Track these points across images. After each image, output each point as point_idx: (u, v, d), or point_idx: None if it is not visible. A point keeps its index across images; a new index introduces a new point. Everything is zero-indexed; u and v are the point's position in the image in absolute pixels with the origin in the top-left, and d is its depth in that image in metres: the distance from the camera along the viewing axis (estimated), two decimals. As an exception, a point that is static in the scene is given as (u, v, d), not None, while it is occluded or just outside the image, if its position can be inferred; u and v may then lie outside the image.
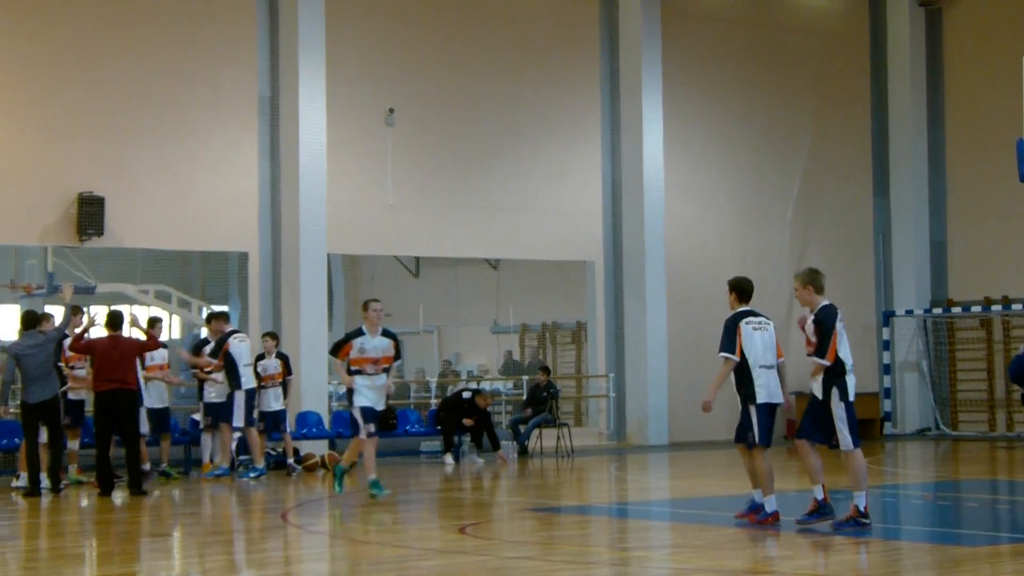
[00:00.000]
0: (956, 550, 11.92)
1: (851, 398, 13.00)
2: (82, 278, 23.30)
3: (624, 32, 27.06)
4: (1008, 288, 28.61)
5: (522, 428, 24.58)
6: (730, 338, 13.51)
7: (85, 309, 18.91)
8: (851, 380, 13.05)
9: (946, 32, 30.35)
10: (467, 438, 23.25)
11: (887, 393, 29.26)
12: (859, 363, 29.58)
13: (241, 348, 20.14)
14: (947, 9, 30.23)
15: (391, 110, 24.89)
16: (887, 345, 29.41)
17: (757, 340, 13.57)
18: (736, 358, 13.49)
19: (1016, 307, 27.96)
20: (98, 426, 17.81)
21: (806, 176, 29.42)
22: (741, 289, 13.87)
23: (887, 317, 29.55)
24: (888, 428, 28.99)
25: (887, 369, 29.37)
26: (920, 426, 29.35)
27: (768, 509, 13.39)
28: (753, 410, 13.48)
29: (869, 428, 28.27)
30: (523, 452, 24.25)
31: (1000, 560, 11.67)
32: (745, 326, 13.56)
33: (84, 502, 17.13)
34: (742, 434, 13.61)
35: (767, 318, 13.76)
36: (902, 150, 30.13)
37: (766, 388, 13.52)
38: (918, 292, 29.64)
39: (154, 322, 20.52)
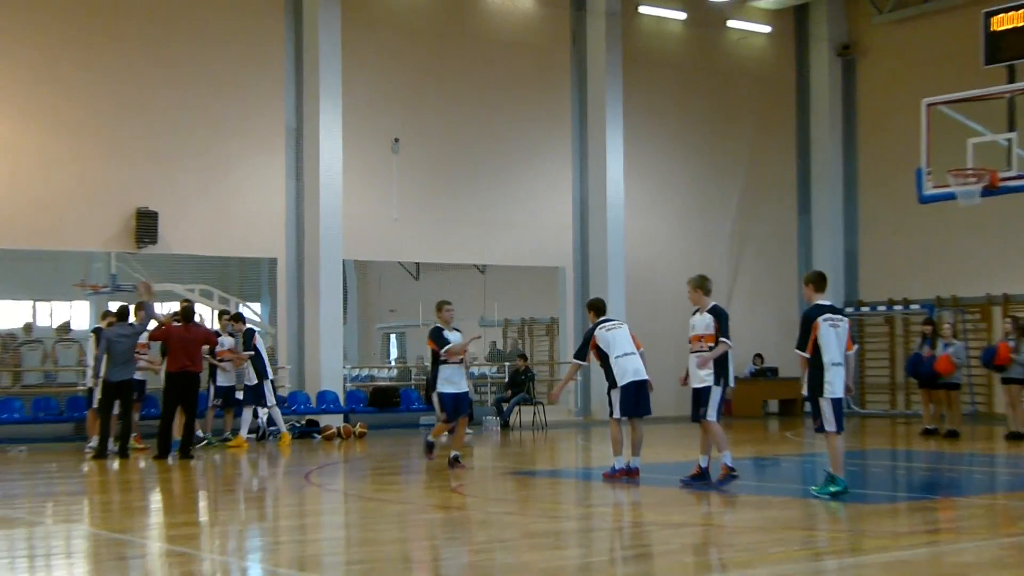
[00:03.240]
0: (863, 507, 12.03)
1: (731, 383, 13.55)
2: (139, 279, 23.38)
3: (591, 75, 27.14)
4: (908, 292, 28.80)
5: (504, 406, 24.72)
6: (584, 345, 14.52)
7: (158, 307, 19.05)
8: (731, 365, 13.50)
9: (859, 77, 30.50)
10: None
11: (808, 377, 29.37)
12: (786, 353, 29.70)
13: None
14: (860, 58, 30.38)
15: (396, 140, 24.96)
16: (809, 337, 29.51)
17: (612, 338, 14.27)
18: (583, 363, 14.70)
19: (915, 307, 28.13)
20: (167, 400, 17.95)
21: (743, 197, 29.56)
22: (596, 308, 14.85)
23: (809, 314, 29.67)
24: (808, 407, 29.09)
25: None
26: (835, 405, 29.48)
27: (617, 467, 14.10)
28: (616, 391, 14.16)
29: (792, 406, 28.53)
30: (505, 426, 24.38)
31: (898, 514, 11.83)
32: (599, 331, 14.34)
33: (142, 464, 17.23)
34: (610, 408, 14.37)
35: (621, 321, 14.88)
36: (821, 175, 30.25)
37: (628, 371, 14.14)
38: (833, 294, 29.66)
39: (223, 314, 20.76)
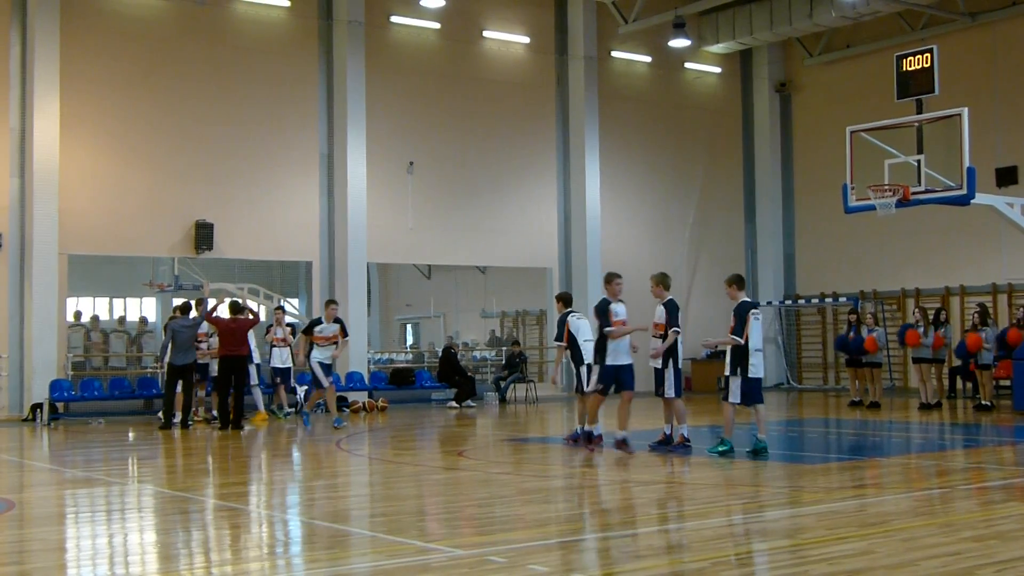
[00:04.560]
0: (801, 466, 12.05)
1: (680, 364, 13.49)
2: (198, 279, 23.35)
3: (573, 108, 27.13)
4: (836, 286, 28.83)
5: (502, 384, 24.67)
6: (561, 331, 14.43)
7: (214, 301, 18.73)
8: (680, 348, 13.48)
9: (794, 109, 30.54)
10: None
11: (754, 358, 29.39)
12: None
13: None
14: (795, 94, 30.41)
15: (411, 163, 24.94)
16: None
17: (580, 325, 14.38)
18: (564, 344, 14.35)
19: (842, 299, 28.14)
20: (220, 381, 17.88)
21: (698, 208, 29.55)
22: (565, 299, 14.84)
23: (755, 306, 29.66)
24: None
25: (754, 342, 29.51)
26: (777, 381, 29.52)
27: (596, 432, 13.98)
28: (584, 368, 14.12)
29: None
30: (502, 400, 24.33)
31: (830, 472, 11.81)
32: (571, 318, 14.38)
33: (197, 433, 17.17)
34: (579, 386, 14.26)
35: (582, 313, 14.72)
36: (764, 190, 30.28)
37: (589, 355, 14.05)
38: (775, 289, 29.82)
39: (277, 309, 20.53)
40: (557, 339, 14.63)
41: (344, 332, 17.86)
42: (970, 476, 11.38)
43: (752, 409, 12.94)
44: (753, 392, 12.83)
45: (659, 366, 13.41)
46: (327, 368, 17.69)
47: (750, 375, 12.70)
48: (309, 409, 18.23)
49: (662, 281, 13.60)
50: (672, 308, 13.42)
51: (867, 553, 7.14)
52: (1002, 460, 13.08)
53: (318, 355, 17.56)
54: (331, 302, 18.28)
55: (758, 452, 12.56)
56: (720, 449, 12.61)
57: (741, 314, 12.71)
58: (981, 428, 16.91)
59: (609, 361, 13.20)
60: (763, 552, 7.45)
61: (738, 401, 12.71)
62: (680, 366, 13.48)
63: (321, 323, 17.73)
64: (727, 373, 12.86)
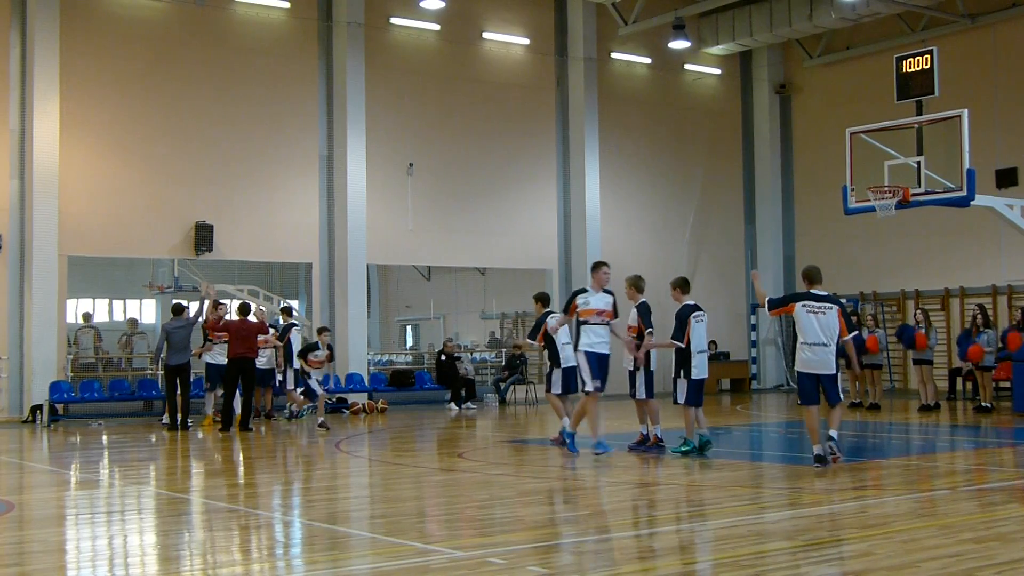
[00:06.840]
0: (801, 468, 12.00)
1: (652, 366, 13.48)
2: (198, 281, 23.37)
3: (572, 110, 27.14)
4: (836, 288, 28.63)
5: (501, 385, 24.66)
6: (536, 327, 14.55)
7: (223, 303, 18.64)
8: (653, 353, 13.49)
9: (794, 111, 30.55)
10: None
11: (754, 360, 29.42)
12: (733, 341, 29.69)
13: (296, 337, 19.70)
14: (795, 95, 30.41)
15: (411, 164, 24.93)
16: (754, 327, 29.56)
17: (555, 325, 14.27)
18: (535, 343, 14.54)
19: (842, 301, 28.00)
20: (228, 382, 17.85)
21: (699, 210, 29.54)
22: (544, 300, 15.04)
23: (754, 308, 29.71)
24: (755, 384, 29.15)
25: (754, 343, 29.51)
26: (776, 383, 29.52)
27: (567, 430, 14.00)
28: (558, 371, 14.09)
29: (741, 384, 28.47)
30: (502, 402, 24.32)
31: (830, 474, 11.77)
32: (550, 319, 14.36)
33: (198, 434, 17.15)
34: (549, 385, 14.29)
35: (557, 311, 14.69)
36: (763, 191, 30.30)
37: (570, 357, 14.10)
38: (775, 290, 29.74)
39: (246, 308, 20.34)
40: (531, 335, 14.76)
41: (615, 312, 13.17)
42: (970, 478, 11.37)
43: (692, 410, 12.99)
44: (694, 393, 12.99)
45: (630, 367, 13.45)
46: (599, 363, 12.94)
47: (694, 377, 12.87)
48: (574, 428, 13.46)
49: (635, 284, 13.63)
50: (643, 310, 13.42)
51: (867, 555, 7.13)
52: (1002, 462, 13.07)
53: (587, 341, 12.95)
54: (601, 264, 13.49)
55: (687, 453, 12.76)
56: (683, 449, 12.83)
57: (682, 317, 12.91)
58: (981, 430, 16.90)
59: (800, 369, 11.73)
60: (763, 554, 7.44)
61: (682, 402, 12.89)
62: (653, 368, 13.49)
63: (586, 292, 13.20)
64: (673, 375, 13.06)
